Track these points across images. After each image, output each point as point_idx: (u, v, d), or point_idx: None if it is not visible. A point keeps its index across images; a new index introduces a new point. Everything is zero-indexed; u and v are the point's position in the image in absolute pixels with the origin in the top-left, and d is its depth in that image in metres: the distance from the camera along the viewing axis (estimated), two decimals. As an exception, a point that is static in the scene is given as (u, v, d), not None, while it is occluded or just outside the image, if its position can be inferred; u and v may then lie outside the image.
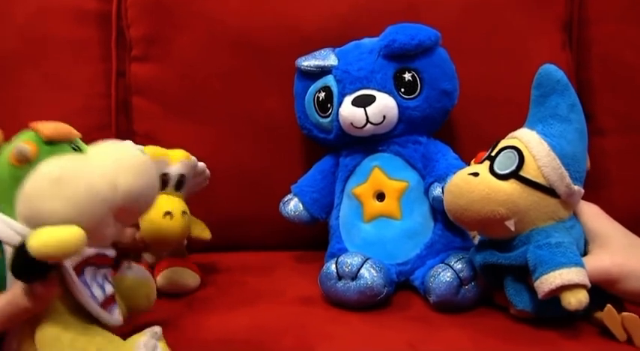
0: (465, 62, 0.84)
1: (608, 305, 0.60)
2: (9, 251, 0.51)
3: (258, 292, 0.77)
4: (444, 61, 0.81)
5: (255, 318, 0.68)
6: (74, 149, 0.55)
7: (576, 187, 0.63)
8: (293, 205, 0.84)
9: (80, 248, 0.47)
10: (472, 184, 0.63)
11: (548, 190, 0.62)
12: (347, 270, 0.69)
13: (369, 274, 0.69)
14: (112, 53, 1.01)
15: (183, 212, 0.76)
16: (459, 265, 0.68)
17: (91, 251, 0.52)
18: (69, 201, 0.48)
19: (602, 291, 0.62)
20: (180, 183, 0.78)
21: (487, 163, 0.65)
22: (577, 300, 0.57)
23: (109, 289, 0.55)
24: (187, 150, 0.81)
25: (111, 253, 0.55)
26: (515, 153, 0.63)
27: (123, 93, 1.01)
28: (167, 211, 0.73)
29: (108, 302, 0.54)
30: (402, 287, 0.75)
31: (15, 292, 0.50)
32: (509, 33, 0.93)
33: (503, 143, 0.65)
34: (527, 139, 0.64)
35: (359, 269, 0.69)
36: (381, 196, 0.78)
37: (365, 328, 0.65)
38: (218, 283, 0.81)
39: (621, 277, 0.60)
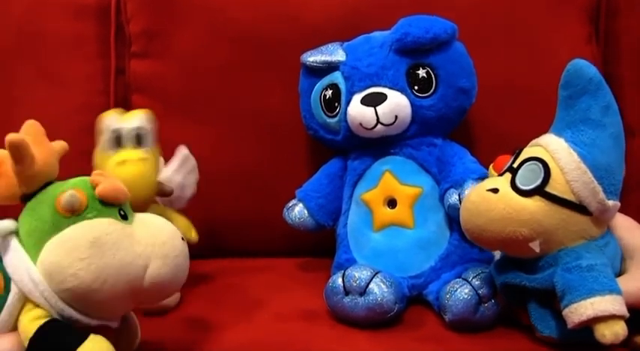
0: (484, 57, 0.82)
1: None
2: (15, 291, 0.52)
3: (258, 304, 0.75)
4: (461, 56, 0.79)
5: (254, 334, 0.66)
6: (121, 214, 0.54)
7: (611, 203, 0.58)
8: (298, 212, 0.82)
9: None
10: (491, 201, 0.58)
11: (578, 208, 0.57)
12: (355, 284, 0.67)
13: (379, 290, 0.66)
14: (111, 49, 1.00)
15: (142, 159, 0.73)
16: (478, 282, 0.65)
17: (94, 322, 0.53)
18: (97, 269, 0.50)
19: None
20: (139, 138, 0.75)
21: (508, 176, 0.60)
22: (612, 333, 0.53)
23: None
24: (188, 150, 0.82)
25: (114, 325, 0.56)
26: (541, 166, 0.58)
27: (122, 90, 1.00)
28: (120, 161, 0.72)
29: None
30: (414, 302, 0.72)
31: (12, 342, 0.52)
32: (531, 26, 0.91)
33: (526, 153, 0.61)
34: (554, 148, 0.59)
35: (368, 284, 0.66)
36: (392, 203, 0.76)
37: (374, 349, 0.63)
38: (215, 292, 0.80)
39: None
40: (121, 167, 0.71)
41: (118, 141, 0.74)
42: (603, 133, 0.58)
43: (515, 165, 0.60)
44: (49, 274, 0.50)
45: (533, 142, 0.62)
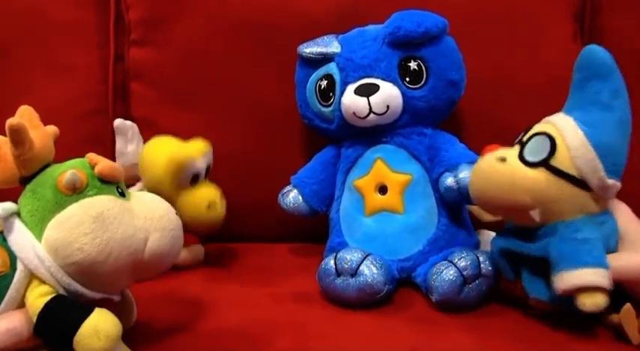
0: (473, 52, 0.82)
1: (628, 304, 0.57)
2: (21, 269, 0.52)
3: (253, 286, 0.76)
4: (451, 50, 0.79)
5: (249, 315, 0.67)
6: (118, 192, 0.56)
7: (611, 181, 0.59)
8: (292, 197, 0.83)
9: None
10: (499, 170, 0.60)
11: (579, 182, 0.59)
12: (346, 266, 0.68)
13: (369, 271, 0.67)
14: (110, 37, 1.00)
15: (221, 198, 0.81)
16: (463, 263, 0.66)
17: (98, 295, 0.54)
18: (101, 243, 0.51)
19: (622, 294, 0.59)
20: (207, 172, 0.82)
21: (517, 148, 0.62)
22: (593, 302, 0.55)
23: None
24: (184, 136, 0.82)
25: (117, 297, 0.57)
26: (548, 140, 0.60)
27: (121, 78, 1.00)
28: (209, 204, 0.79)
29: None
30: (403, 284, 0.73)
31: (21, 320, 0.52)
32: (519, 22, 0.91)
33: (536, 128, 0.62)
34: (562, 126, 0.60)
35: (359, 265, 0.67)
36: (383, 189, 0.76)
37: (364, 328, 0.63)
38: (212, 276, 0.80)
39: None
40: (210, 211, 0.79)
41: (195, 178, 0.80)
42: (610, 115, 0.59)
43: (524, 139, 0.62)
44: (54, 250, 0.51)
45: (545, 119, 0.63)
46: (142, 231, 0.54)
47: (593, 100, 0.60)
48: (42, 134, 0.56)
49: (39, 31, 0.97)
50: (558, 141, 0.59)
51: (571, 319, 0.61)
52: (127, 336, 0.55)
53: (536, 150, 0.60)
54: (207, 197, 0.79)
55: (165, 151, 0.79)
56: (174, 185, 0.78)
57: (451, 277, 0.65)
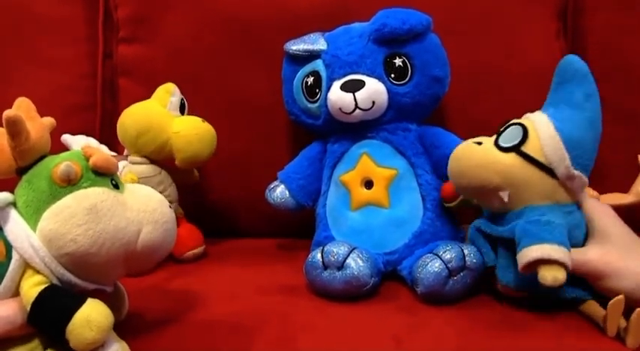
0: (457, 49, 0.83)
1: (621, 296, 0.58)
2: (16, 258, 0.53)
3: (241, 280, 0.76)
4: (436, 47, 0.80)
5: (237, 307, 0.67)
6: (112, 184, 0.56)
7: (576, 172, 0.62)
8: (279, 192, 0.83)
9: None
10: (474, 151, 0.64)
11: (546, 169, 0.62)
12: (333, 259, 0.68)
13: (356, 264, 0.68)
14: (99, 34, 1.00)
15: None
16: (448, 256, 0.67)
17: (91, 286, 0.55)
18: (94, 234, 0.52)
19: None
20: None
21: (494, 136, 0.66)
22: (552, 276, 0.57)
23: None
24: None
25: (109, 289, 0.58)
26: (521, 129, 0.64)
27: (109, 73, 1.01)
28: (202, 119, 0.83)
29: None
30: (389, 277, 0.74)
31: (14, 308, 0.52)
32: (503, 20, 0.92)
33: (513, 121, 0.66)
34: (535, 119, 0.64)
35: (345, 259, 0.68)
36: (369, 184, 0.77)
37: (350, 319, 0.64)
38: (200, 270, 0.81)
39: (605, 274, 0.60)
40: (204, 123, 0.82)
41: (182, 108, 0.84)
42: (581, 114, 0.63)
43: (500, 129, 0.65)
44: (48, 241, 0.51)
45: (524, 116, 0.66)
46: (135, 223, 0.55)
47: (567, 99, 0.64)
48: (38, 125, 0.56)
49: (28, 26, 0.98)
50: (530, 130, 0.63)
51: (555, 312, 0.62)
52: (119, 327, 0.55)
53: (509, 137, 0.64)
54: (198, 117, 0.83)
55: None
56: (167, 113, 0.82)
57: (436, 270, 0.66)
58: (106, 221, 0.52)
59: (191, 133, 0.81)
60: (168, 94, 0.83)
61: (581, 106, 0.63)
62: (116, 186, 0.56)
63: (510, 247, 0.63)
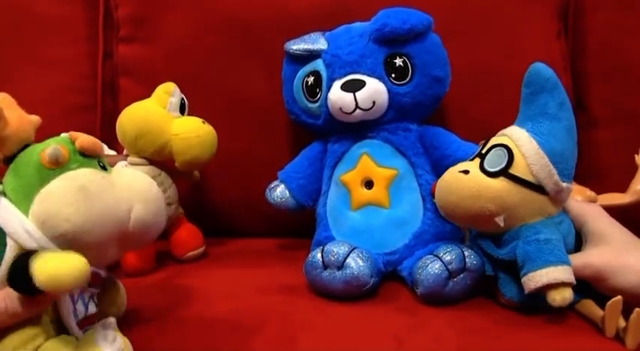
0: (458, 49, 0.83)
1: (619, 297, 0.58)
2: (11, 245, 0.52)
3: (241, 279, 0.76)
4: (437, 47, 0.80)
5: (237, 306, 0.67)
6: (100, 166, 0.56)
7: (565, 184, 0.63)
8: (279, 192, 0.83)
9: (83, 283, 0.49)
10: (462, 181, 0.63)
11: (536, 187, 0.62)
12: (333, 259, 0.68)
13: (356, 264, 0.68)
14: (99, 34, 1.01)
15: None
16: (448, 257, 0.67)
17: None
18: (86, 212, 0.51)
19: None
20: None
21: (477, 160, 0.65)
22: (561, 297, 0.59)
23: (91, 308, 0.56)
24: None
25: (104, 273, 0.57)
26: (505, 151, 0.63)
27: (110, 73, 1.01)
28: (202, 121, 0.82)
29: (87, 322, 0.55)
30: (389, 278, 0.74)
31: (5, 295, 0.51)
32: (504, 20, 0.92)
33: (493, 141, 0.65)
34: (516, 137, 0.64)
35: (345, 258, 0.68)
36: (369, 184, 0.77)
37: (350, 319, 0.64)
38: (200, 270, 0.81)
39: (607, 275, 0.60)
40: (205, 125, 0.81)
41: (182, 108, 0.83)
42: (558, 125, 0.63)
43: (483, 151, 0.65)
44: (42, 222, 0.51)
45: (500, 132, 0.66)
46: (126, 202, 0.54)
47: (542, 112, 0.63)
48: (19, 115, 0.56)
49: (28, 25, 0.98)
50: (515, 151, 0.63)
51: (555, 312, 0.62)
52: (118, 323, 0.56)
53: (495, 161, 0.63)
54: (198, 118, 0.82)
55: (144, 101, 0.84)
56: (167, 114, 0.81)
57: (436, 271, 0.66)
58: (96, 199, 0.52)
59: (191, 135, 0.80)
60: (167, 95, 0.82)
61: (557, 116, 0.63)
62: (104, 168, 0.56)
63: (511, 263, 0.63)
